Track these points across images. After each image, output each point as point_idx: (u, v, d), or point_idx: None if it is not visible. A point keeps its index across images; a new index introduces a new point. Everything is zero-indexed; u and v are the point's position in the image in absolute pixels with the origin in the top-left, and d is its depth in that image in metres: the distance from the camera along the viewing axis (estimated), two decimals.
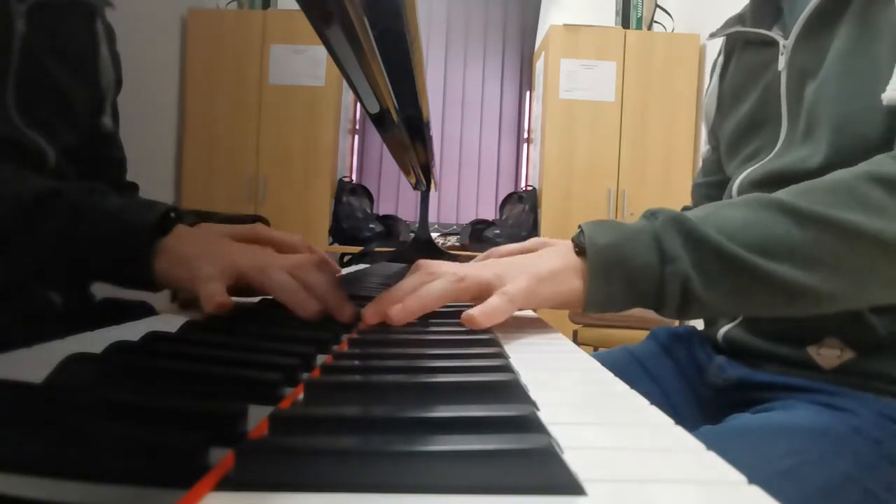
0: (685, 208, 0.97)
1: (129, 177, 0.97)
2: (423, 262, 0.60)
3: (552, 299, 0.55)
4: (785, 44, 0.72)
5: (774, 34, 0.74)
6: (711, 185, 0.92)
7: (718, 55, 0.87)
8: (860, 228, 0.52)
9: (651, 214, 0.56)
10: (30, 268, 0.55)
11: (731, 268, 0.52)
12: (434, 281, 0.53)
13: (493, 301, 0.52)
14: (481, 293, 0.54)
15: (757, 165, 0.73)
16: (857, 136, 0.61)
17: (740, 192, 0.74)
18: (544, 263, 0.55)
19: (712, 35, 0.86)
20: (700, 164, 0.98)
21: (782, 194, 0.54)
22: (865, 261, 0.53)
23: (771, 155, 0.72)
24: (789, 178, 0.67)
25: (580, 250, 0.55)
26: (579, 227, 0.56)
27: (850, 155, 0.60)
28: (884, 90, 0.58)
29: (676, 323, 2.31)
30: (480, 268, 0.55)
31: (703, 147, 0.92)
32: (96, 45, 0.83)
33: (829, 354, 0.64)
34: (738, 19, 0.83)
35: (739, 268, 0.52)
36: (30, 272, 0.56)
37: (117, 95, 0.89)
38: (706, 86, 0.88)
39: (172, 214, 0.58)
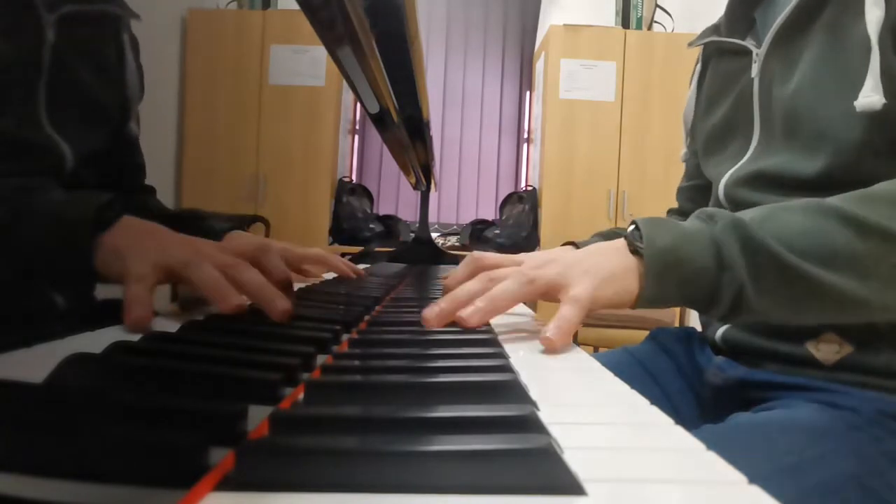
0: (671, 211, 0.99)
1: None
2: (480, 256, 0.59)
3: (613, 300, 0.54)
4: (758, 52, 0.74)
5: (748, 44, 0.77)
6: (694, 189, 0.95)
7: (697, 63, 0.90)
8: None
9: (708, 217, 0.56)
10: None
11: (788, 277, 0.52)
12: (504, 282, 0.53)
13: (567, 312, 0.50)
14: (549, 293, 0.54)
15: (738, 165, 0.75)
16: (839, 140, 0.63)
17: (726, 191, 0.76)
18: (604, 263, 0.55)
19: (690, 44, 0.89)
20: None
21: (838, 202, 0.54)
22: None
23: (747, 156, 0.74)
24: (780, 180, 0.68)
25: (634, 249, 0.55)
26: (634, 223, 0.56)
27: (844, 158, 0.62)
28: (857, 97, 0.60)
29: (676, 323, 2.31)
30: (543, 266, 0.55)
31: (682, 151, 0.95)
32: (122, 55, 0.85)
33: (827, 349, 0.64)
34: (714, 29, 0.85)
35: (796, 277, 0.52)
36: None
37: (139, 103, 0.91)
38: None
39: (116, 206, 0.57)
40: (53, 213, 0.55)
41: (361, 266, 1.47)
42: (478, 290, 0.53)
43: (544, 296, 0.54)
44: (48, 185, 0.60)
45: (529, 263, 0.56)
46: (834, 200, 0.55)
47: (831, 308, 0.54)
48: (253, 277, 0.53)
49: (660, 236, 0.54)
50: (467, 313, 0.51)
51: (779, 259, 0.52)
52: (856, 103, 0.60)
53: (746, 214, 0.55)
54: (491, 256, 0.59)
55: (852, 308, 0.54)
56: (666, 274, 0.53)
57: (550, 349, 0.47)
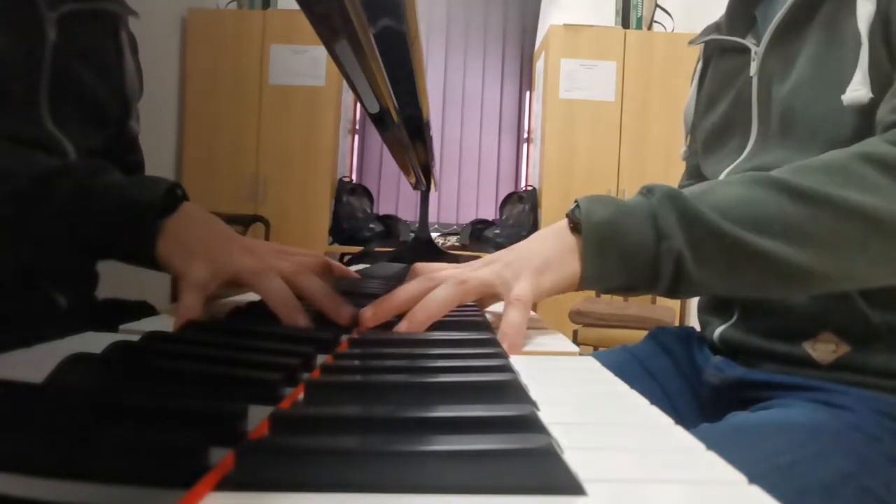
0: None
1: None
2: (420, 266, 0.60)
3: (555, 288, 0.54)
4: (756, 51, 0.74)
5: (748, 42, 0.77)
6: None
7: (698, 62, 0.90)
8: (855, 206, 0.52)
9: (647, 191, 0.56)
10: (37, 244, 0.56)
11: (725, 245, 0.52)
12: (437, 288, 0.53)
13: (513, 317, 0.50)
14: (484, 294, 0.54)
15: (736, 163, 0.75)
16: (831, 137, 0.63)
17: None
18: (540, 251, 0.55)
19: (691, 42, 0.89)
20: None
21: (776, 173, 0.55)
22: (858, 238, 0.53)
23: (745, 154, 0.74)
24: None
25: (575, 226, 0.55)
26: (576, 201, 0.56)
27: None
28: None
29: (676, 323, 2.31)
30: (479, 268, 0.55)
31: (682, 149, 0.95)
32: (121, 53, 0.85)
33: (824, 349, 0.64)
34: (715, 27, 0.85)
35: (732, 245, 0.52)
36: (37, 249, 0.57)
37: (138, 101, 0.91)
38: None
39: (178, 191, 0.58)
40: (119, 194, 0.56)
41: (361, 266, 1.48)
42: (416, 290, 0.53)
43: (482, 296, 0.54)
44: (109, 167, 0.59)
45: (467, 265, 0.56)
46: (772, 172, 0.55)
47: (771, 276, 0.53)
48: (316, 285, 0.53)
49: (597, 211, 0.53)
50: (403, 328, 0.51)
51: (714, 227, 0.52)
52: (843, 97, 0.60)
53: (686, 189, 0.56)
54: (431, 264, 0.60)
55: (794, 277, 0.53)
56: (605, 248, 0.53)
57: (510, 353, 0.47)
